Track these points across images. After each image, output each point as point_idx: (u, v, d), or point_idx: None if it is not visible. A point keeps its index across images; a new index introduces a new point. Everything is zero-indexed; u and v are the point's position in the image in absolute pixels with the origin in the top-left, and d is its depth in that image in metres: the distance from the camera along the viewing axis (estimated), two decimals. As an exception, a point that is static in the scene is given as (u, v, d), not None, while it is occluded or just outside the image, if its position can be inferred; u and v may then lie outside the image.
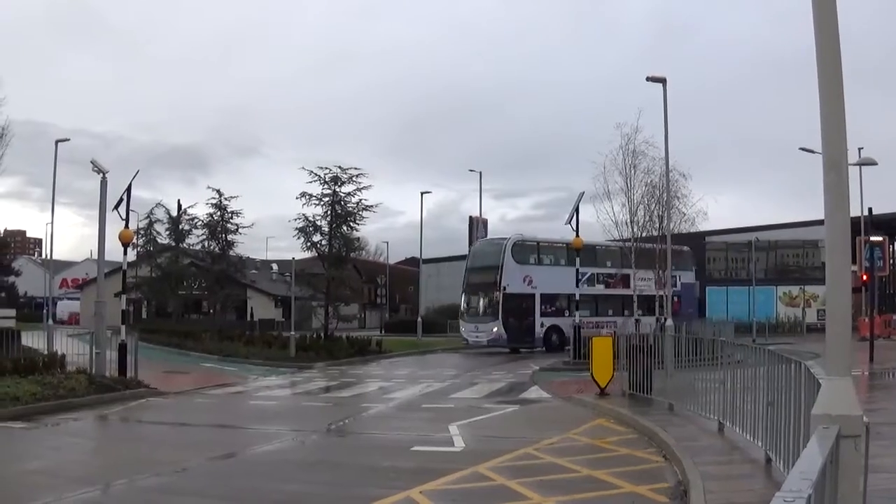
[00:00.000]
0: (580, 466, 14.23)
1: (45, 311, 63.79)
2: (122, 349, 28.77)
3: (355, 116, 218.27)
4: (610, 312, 58.34)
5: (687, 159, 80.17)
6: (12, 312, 35.60)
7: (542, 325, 54.61)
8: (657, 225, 64.60)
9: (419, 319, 72.57)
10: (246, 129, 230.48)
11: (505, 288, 52.98)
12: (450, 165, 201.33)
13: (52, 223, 55.93)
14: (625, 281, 55.36)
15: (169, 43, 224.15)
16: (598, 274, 58.18)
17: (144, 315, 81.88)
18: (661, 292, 49.89)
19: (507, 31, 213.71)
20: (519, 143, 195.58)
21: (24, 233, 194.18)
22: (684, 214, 66.60)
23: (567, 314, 53.23)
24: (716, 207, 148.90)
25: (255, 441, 18.22)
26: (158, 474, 14.42)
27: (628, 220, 66.08)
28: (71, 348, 30.09)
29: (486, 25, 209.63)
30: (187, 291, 72.93)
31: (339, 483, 13.89)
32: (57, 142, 51.28)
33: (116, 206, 29.44)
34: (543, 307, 55.17)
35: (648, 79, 37.51)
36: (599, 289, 58.39)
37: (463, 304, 58.44)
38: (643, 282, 53.04)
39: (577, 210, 41.01)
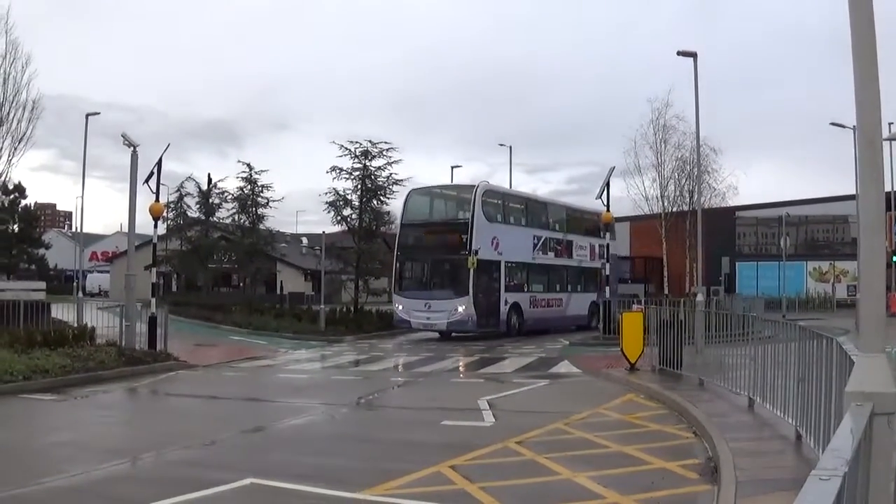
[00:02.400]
0: (610, 442, 14.23)
1: (74, 283, 64.10)
2: (152, 322, 29.04)
3: (387, 90, 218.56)
4: (557, 287, 47.98)
5: (717, 134, 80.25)
6: (42, 285, 35.63)
7: (505, 301, 41.92)
8: (687, 200, 64.70)
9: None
10: (278, 104, 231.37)
11: (475, 252, 39.33)
12: (481, 139, 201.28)
13: (82, 196, 56.20)
14: (568, 249, 49.07)
15: (203, 17, 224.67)
16: (549, 239, 47.42)
17: (174, 288, 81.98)
18: (595, 264, 48.12)
19: (542, 5, 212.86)
20: (552, 117, 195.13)
21: (54, 206, 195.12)
22: (714, 189, 66.78)
23: (525, 289, 44.74)
24: (745, 182, 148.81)
25: (284, 414, 18.23)
26: (187, 447, 14.50)
27: (659, 195, 66.29)
28: (101, 321, 30.19)
29: (515, 2, 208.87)
30: (217, 265, 72.98)
31: (369, 457, 13.89)
32: (87, 115, 51.48)
33: (147, 180, 29.53)
34: (507, 280, 42.62)
35: (679, 53, 37.43)
36: (550, 257, 47.45)
37: (397, 275, 43.46)
38: (581, 251, 49.53)
39: (607, 185, 40.49)
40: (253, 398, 21.25)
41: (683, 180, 66.35)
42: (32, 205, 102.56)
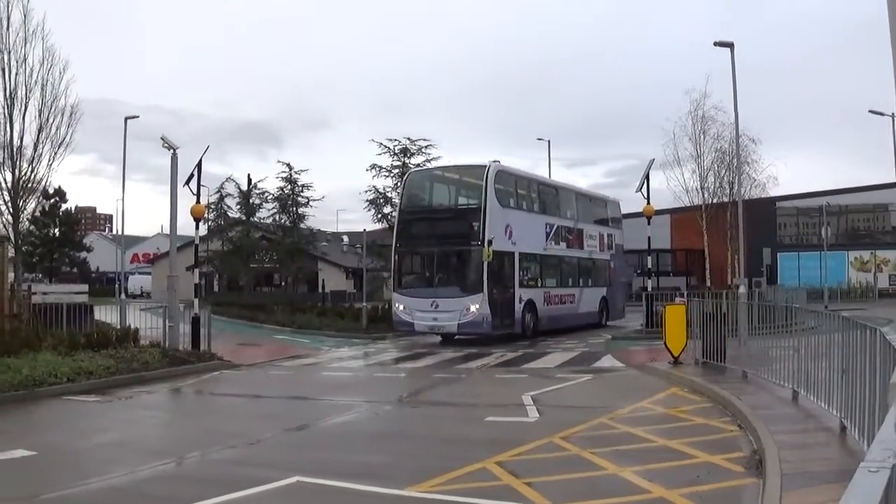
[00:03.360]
0: (655, 436, 14.23)
1: (117, 285, 64.52)
2: (196, 322, 29.26)
3: (425, 87, 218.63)
4: (570, 282, 43.49)
5: (756, 124, 79.63)
6: (85, 287, 35.97)
7: (520, 299, 37.06)
8: (727, 191, 64.43)
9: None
10: (317, 103, 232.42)
11: (490, 242, 34.22)
12: (519, 135, 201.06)
13: (123, 199, 56.47)
14: (579, 239, 44.42)
15: (242, 18, 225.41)
16: (561, 227, 42.62)
17: (216, 288, 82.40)
18: (605, 256, 46.50)
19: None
20: (592, 110, 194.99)
21: (94, 209, 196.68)
22: (754, 180, 66.42)
23: (539, 284, 39.96)
24: (785, 172, 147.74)
25: (328, 412, 18.31)
26: (232, 446, 14.59)
27: (699, 187, 66.03)
28: (144, 322, 30.36)
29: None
30: (259, 264, 73.42)
31: (413, 454, 13.96)
32: (126, 119, 51.71)
33: (187, 182, 29.71)
34: (521, 273, 37.80)
35: (716, 44, 37.23)
36: (562, 248, 42.68)
37: (396, 270, 38.59)
38: (591, 241, 45.47)
39: (647, 177, 40.13)
40: (297, 396, 21.34)
41: (723, 171, 66.05)
42: (73, 208, 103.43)
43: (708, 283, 63.51)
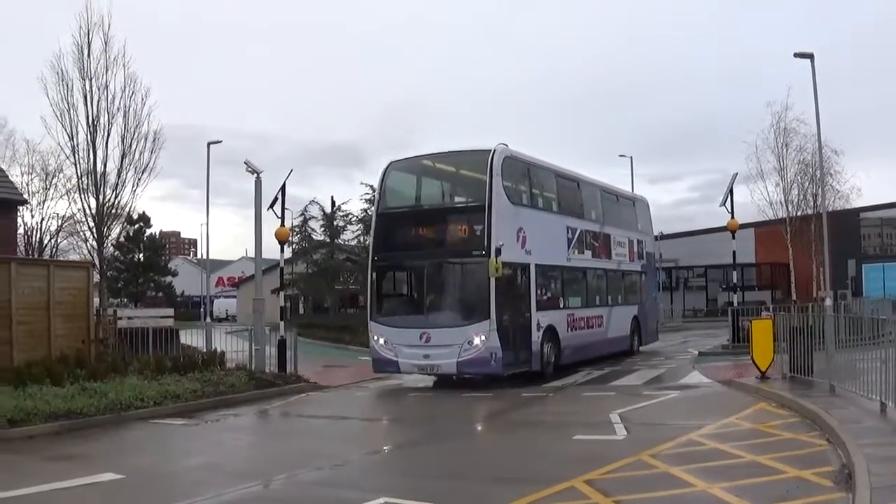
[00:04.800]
0: (743, 452, 14.20)
1: (202, 309, 65.20)
2: (282, 345, 29.69)
3: (506, 106, 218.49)
4: (597, 300, 35.58)
5: (838, 134, 78.45)
6: (171, 312, 36.33)
7: (538, 325, 28.86)
8: (811, 203, 63.85)
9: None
10: (401, 125, 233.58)
11: (498, 251, 26.15)
12: (601, 151, 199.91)
13: (207, 223, 56.98)
14: (606, 246, 36.96)
15: (329, 43, 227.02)
16: (585, 232, 34.75)
17: (301, 311, 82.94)
18: (635, 266, 39.93)
19: (654, 14, 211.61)
20: (675, 125, 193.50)
21: (178, 234, 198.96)
22: (838, 191, 65.75)
23: (561, 304, 31.77)
24: (868, 182, 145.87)
25: (415, 432, 18.48)
26: (319, 468, 14.85)
27: (782, 200, 65.48)
28: (229, 345, 30.70)
29: (633, 8, 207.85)
30: (343, 286, 73.82)
31: (501, 473, 14.07)
32: (209, 144, 52.19)
33: (271, 205, 30.13)
34: (539, 292, 29.64)
35: (796, 55, 37.03)
36: (587, 258, 34.74)
37: (374, 291, 29.61)
38: (620, 248, 38.46)
39: (731, 191, 39.83)
40: (382, 418, 21.50)
41: (806, 183, 65.43)
42: (157, 233, 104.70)
43: (793, 297, 62.90)
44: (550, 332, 29.86)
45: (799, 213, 64.48)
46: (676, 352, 36.32)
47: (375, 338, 28.67)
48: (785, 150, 64.37)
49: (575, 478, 12.56)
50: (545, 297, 30.35)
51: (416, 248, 28.94)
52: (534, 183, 31.44)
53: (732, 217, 39.81)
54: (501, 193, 27.53)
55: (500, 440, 18.31)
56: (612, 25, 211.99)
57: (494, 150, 27.80)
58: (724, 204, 39.90)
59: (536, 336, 28.72)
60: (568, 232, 33.12)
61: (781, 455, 13.70)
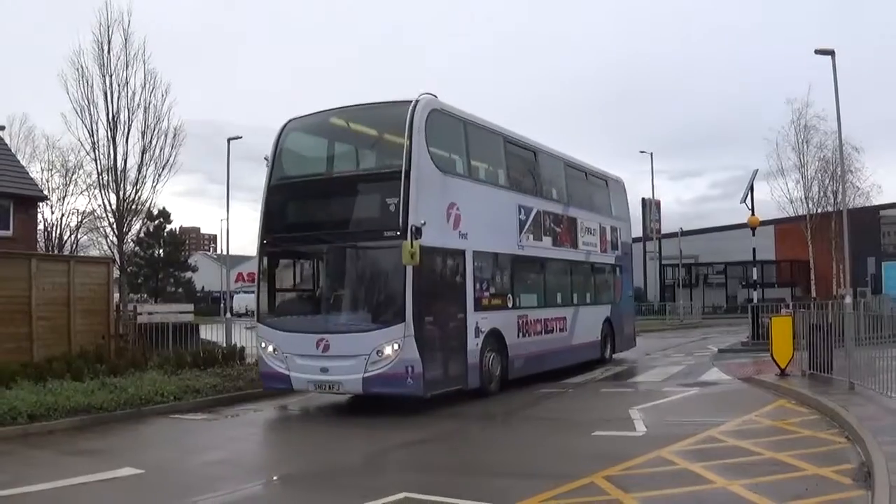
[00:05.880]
0: (763, 449, 14.19)
1: (222, 304, 65.31)
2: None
3: (528, 101, 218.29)
4: (558, 298, 28.92)
5: (859, 131, 78.32)
6: (191, 307, 36.34)
7: (476, 329, 22.66)
8: (832, 201, 63.78)
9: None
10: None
11: (417, 232, 19.86)
12: (621, 148, 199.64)
13: (227, 219, 57.26)
14: (571, 233, 30.25)
15: (355, 41, 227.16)
16: (544, 214, 27.95)
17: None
18: (608, 258, 33.58)
19: (679, 12, 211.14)
20: (697, 121, 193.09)
21: (198, 229, 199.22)
22: (858, 189, 65.73)
23: (509, 303, 25.21)
24: (888, 179, 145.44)
25: (437, 428, 18.47)
26: (339, 462, 14.88)
27: (802, 197, 65.44)
28: (249, 341, 30.69)
29: (657, 5, 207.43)
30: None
31: (521, 469, 14.09)
32: (229, 140, 52.50)
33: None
34: (478, 287, 23.35)
35: (817, 51, 37.11)
36: (545, 246, 27.92)
37: (262, 286, 23.41)
38: (589, 236, 31.91)
39: (751, 188, 39.70)
40: (403, 412, 21.48)
41: (827, 181, 65.39)
42: (177, 229, 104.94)
43: (813, 294, 62.83)
44: (494, 339, 23.68)
45: (819, 211, 64.47)
46: (657, 362, 33.77)
47: (263, 345, 22.28)
48: (805, 147, 64.47)
49: (594, 473, 12.56)
50: (487, 295, 23.88)
51: (316, 228, 22.20)
52: (474, 147, 24.62)
53: (753, 214, 39.69)
54: (425, 157, 21.15)
55: (520, 435, 18.24)
56: (633, 23, 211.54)
57: (417, 102, 21.37)
58: (744, 200, 39.79)
59: (474, 343, 22.43)
60: (520, 212, 26.26)
61: (801, 452, 13.70)
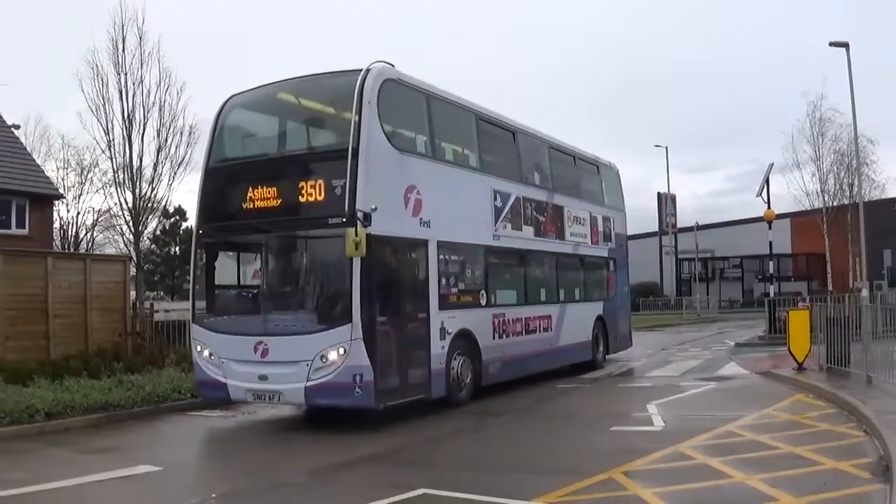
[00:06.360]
0: (781, 443, 14.18)
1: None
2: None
3: (541, 96, 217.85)
4: (542, 296, 26.38)
5: (874, 125, 78.18)
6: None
7: (442, 331, 20.06)
8: (847, 193, 63.66)
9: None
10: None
11: (366, 218, 17.28)
12: (636, 142, 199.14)
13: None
14: (557, 223, 27.50)
15: (368, 39, 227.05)
16: (524, 201, 25.20)
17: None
18: (600, 251, 31.02)
19: (696, 6, 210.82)
20: (712, 115, 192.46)
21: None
22: (874, 181, 65.58)
23: (483, 300, 22.45)
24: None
25: (453, 424, 18.47)
26: (357, 457, 14.78)
27: (818, 190, 65.34)
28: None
29: (671, 3, 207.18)
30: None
31: (539, 464, 14.04)
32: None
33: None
34: (443, 282, 20.62)
35: (831, 44, 37.06)
36: (526, 236, 25.31)
37: (200, 287, 20.82)
38: (578, 226, 29.12)
39: (767, 181, 39.65)
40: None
41: (842, 173, 65.24)
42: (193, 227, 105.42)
43: (829, 287, 62.75)
44: (465, 341, 21.16)
45: (835, 204, 64.36)
46: (673, 356, 33.37)
47: (199, 349, 19.57)
48: (820, 140, 64.27)
49: (613, 469, 12.55)
50: (456, 291, 21.22)
51: (256, 216, 19.08)
52: (440, 125, 21.71)
53: (769, 207, 39.63)
54: (377, 133, 18.36)
55: (539, 430, 18.16)
56: (644, 15, 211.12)
57: (369, 70, 18.58)
58: (760, 194, 39.79)
59: (439, 347, 19.81)
60: (496, 198, 23.56)
61: (819, 446, 13.68)
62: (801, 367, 23.94)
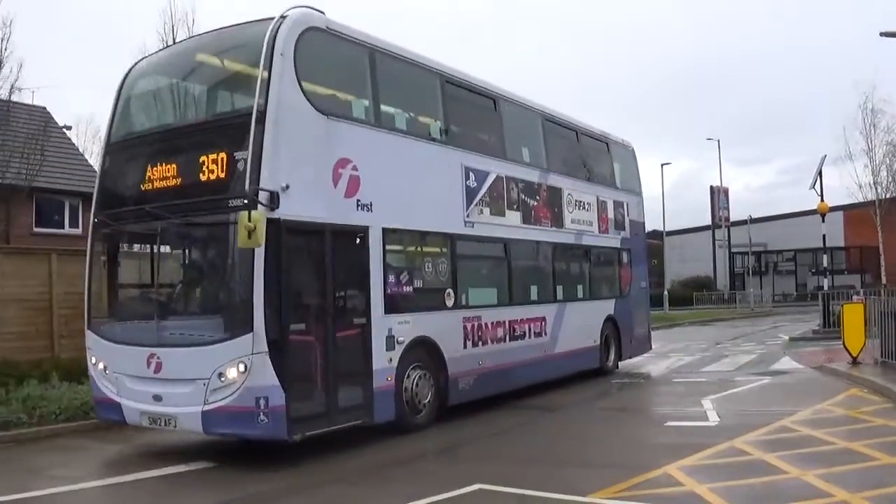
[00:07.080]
0: (836, 438, 14.15)
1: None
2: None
3: (591, 89, 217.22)
4: (533, 294, 22.30)
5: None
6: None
7: (389, 337, 16.02)
8: (901, 186, 63.09)
9: (665, 293, 70.97)
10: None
11: (271, 199, 13.43)
12: (688, 135, 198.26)
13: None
14: (553, 206, 23.33)
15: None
16: (505, 181, 20.88)
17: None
18: (611, 241, 27.08)
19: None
20: (764, 107, 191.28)
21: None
22: (925, 174, 65.00)
23: (449, 301, 18.41)
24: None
25: (507, 419, 18.50)
26: (414, 454, 14.90)
27: (871, 182, 64.90)
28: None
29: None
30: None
31: (595, 460, 14.09)
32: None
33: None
34: (391, 279, 16.40)
35: (882, 34, 36.74)
36: (512, 223, 21.15)
37: (95, 286, 16.43)
38: (581, 212, 25.14)
39: (820, 174, 39.48)
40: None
41: (895, 165, 64.73)
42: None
43: (883, 281, 62.29)
44: (424, 352, 17.45)
45: (888, 196, 63.87)
46: (727, 351, 32.48)
47: (93, 360, 16.01)
48: (873, 131, 63.73)
49: (668, 464, 12.59)
50: (410, 290, 17.34)
51: (152, 199, 15.20)
52: (388, 87, 17.71)
53: (822, 200, 39.38)
54: (293, 93, 14.59)
55: (592, 426, 18.17)
56: (696, 9, 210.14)
57: (283, 18, 14.80)
58: (813, 186, 39.54)
59: (385, 360, 16.03)
60: (468, 177, 19.39)
61: (874, 442, 13.65)
62: (855, 362, 23.87)
